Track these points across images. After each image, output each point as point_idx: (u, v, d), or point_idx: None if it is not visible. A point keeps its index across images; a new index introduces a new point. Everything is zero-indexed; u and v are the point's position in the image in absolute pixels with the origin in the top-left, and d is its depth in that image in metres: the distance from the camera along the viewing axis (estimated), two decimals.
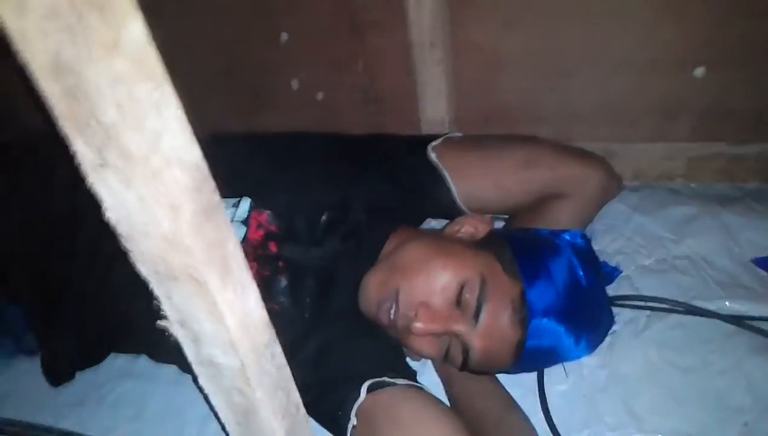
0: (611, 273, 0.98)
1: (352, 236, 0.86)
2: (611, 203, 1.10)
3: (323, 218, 0.86)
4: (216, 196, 0.34)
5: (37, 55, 0.25)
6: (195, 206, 0.32)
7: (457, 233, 0.83)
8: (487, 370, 0.80)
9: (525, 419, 0.80)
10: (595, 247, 1.01)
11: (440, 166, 0.93)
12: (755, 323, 0.88)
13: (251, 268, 0.41)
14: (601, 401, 0.84)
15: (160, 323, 0.38)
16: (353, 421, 0.72)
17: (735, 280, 0.95)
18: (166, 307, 0.36)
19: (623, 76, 1.08)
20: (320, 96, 1.30)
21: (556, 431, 0.80)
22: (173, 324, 0.37)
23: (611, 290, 0.96)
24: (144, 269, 0.34)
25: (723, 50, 1.01)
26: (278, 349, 0.42)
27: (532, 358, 0.75)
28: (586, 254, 0.81)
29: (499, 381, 0.84)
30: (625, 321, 0.92)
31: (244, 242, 0.81)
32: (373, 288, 0.78)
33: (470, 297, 0.73)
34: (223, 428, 0.45)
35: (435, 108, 1.16)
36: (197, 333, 0.37)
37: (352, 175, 0.92)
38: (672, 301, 0.92)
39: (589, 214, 0.98)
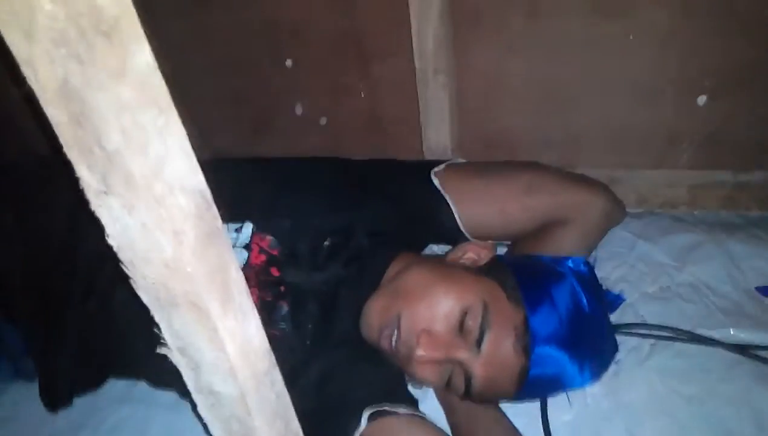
0: (615, 301, 0.98)
1: (354, 261, 0.86)
2: (614, 230, 1.10)
3: (326, 243, 0.86)
4: (218, 222, 0.34)
5: (44, 81, 0.25)
6: (197, 232, 0.32)
7: (460, 259, 0.83)
8: (490, 398, 0.79)
9: None
10: (599, 274, 1.01)
11: (443, 192, 0.93)
12: (760, 352, 0.87)
13: (252, 293, 0.40)
14: (605, 430, 0.83)
15: (160, 349, 0.37)
16: None
17: (739, 308, 0.95)
18: (166, 334, 0.36)
19: (627, 102, 1.08)
20: (323, 121, 1.30)
21: None
22: (173, 351, 0.37)
23: (615, 317, 0.96)
24: (145, 296, 0.34)
25: (726, 78, 1.01)
26: (278, 376, 0.41)
27: (536, 386, 0.75)
28: (589, 281, 0.80)
29: (501, 410, 0.83)
30: (628, 349, 0.92)
31: (246, 266, 0.81)
32: (374, 314, 0.78)
33: (473, 324, 0.72)
34: None
35: (438, 133, 1.16)
36: (197, 360, 0.37)
37: (355, 200, 0.92)
38: (676, 329, 0.91)
39: (593, 240, 0.98)
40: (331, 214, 0.89)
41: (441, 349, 0.73)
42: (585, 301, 0.76)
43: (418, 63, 1.08)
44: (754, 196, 1.10)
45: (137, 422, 0.95)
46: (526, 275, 0.78)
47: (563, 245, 0.91)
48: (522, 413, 0.84)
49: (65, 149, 0.28)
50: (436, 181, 0.94)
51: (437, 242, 1.06)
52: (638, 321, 0.95)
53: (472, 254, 0.83)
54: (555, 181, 0.94)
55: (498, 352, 0.72)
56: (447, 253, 0.87)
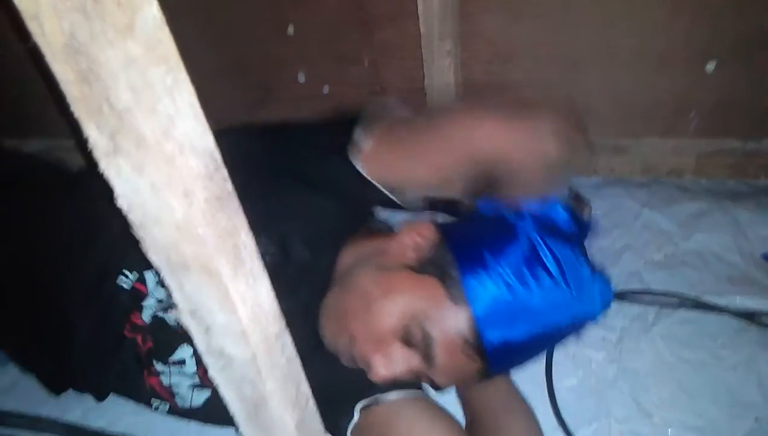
0: (586, 225, 0.80)
1: (300, 279, 0.79)
2: (620, 199, 1.09)
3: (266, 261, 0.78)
4: (228, 185, 0.33)
5: (50, 36, 0.25)
6: (208, 194, 0.31)
7: (402, 249, 0.75)
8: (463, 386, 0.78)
9: (530, 414, 0.78)
10: (604, 242, 1.01)
11: (372, 180, 0.81)
12: (765, 319, 0.87)
13: None
14: (610, 395, 0.83)
15: (171, 311, 0.37)
16: None
17: (745, 275, 0.95)
18: (176, 296, 0.36)
19: (634, 70, 1.07)
20: (326, 90, 1.29)
21: (565, 425, 0.80)
22: (184, 314, 0.37)
23: (619, 285, 0.95)
24: (156, 258, 0.34)
25: (734, 45, 1.00)
26: (289, 340, 0.41)
27: (508, 364, 0.73)
28: (549, 222, 0.72)
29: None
30: (633, 316, 0.92)
31: None
32: (328, 336, 0.75)
33: (416, 340, 0.69)
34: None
35: (443, 101, 1.15)
36: (208, 323, 0.37)
37: (281, 207, 0.81)
38: (681, 296, 0.91)
39: (550, 183, 0.86)
40: (261, 233, 0.78)
41: (398, 365, 0.70)
42: (547, 251, 0.68)
43: (423, 28, 1.06)
44: (761, 164, 1.09)
45: None
46: (469, 251, 0.70)
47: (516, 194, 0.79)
48: (527, 379, 0.84)
49: (73, 108, 0.27)
50: (360, 168, 0.80)
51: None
52: (643, 288, 0.95)
53: (414, 238, 0.75)
54: (492, 123, 0.77)
55: (450, 361, 0.68)
56: (390, 237, 0.78)
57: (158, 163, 0.29)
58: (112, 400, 0.91)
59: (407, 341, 0.69)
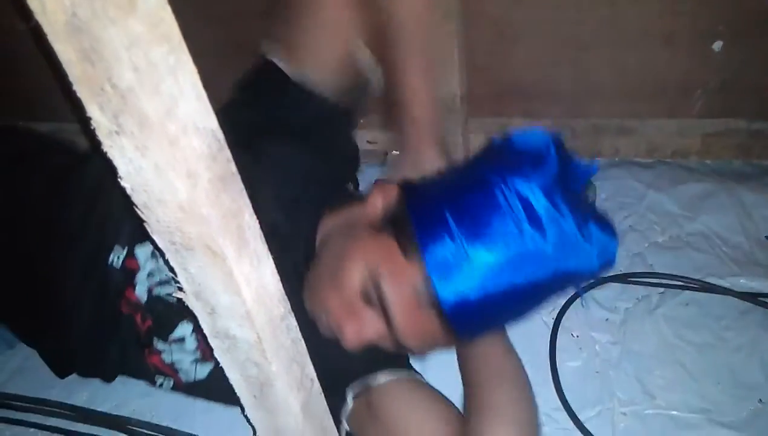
0: (579, 168, 0.69)
1: (284, 257, 0.76)
2: (625, 180, 1.09)
3: None
4: (231, 165, 0.33)
5: (51, 15, 0.24)
6: (211, 175, 0.31)
7: (373, 212, 0.73)
8: (437, 348, 0.74)
9: (521, 386, 0.74)
10: None
11: (301, 76, 0.83)
12: None
13: None
14: (613, 377, 0.83)
15: (176, 293, 0.37)
16: (346, 427, 0.73)
17: (750, 257, 0.95)
18: (181, 278, 0.36)
19: (640, 50, 1.05)
20: None
21: (569, 406, 0.80)
22: (188, 295, 0.37)
23: (624, 268, 0.95)
24: (159, 239, 0.34)
25: (742, 24, 0.98)
26: (293, 322, 0.41)
27: (489, 318, 0.68)
28: (527, 167, 0.65)
29: (508, 342, 0.79)
30: (638, 298, 0.92)
31: None
32: (311, 312, 0.74)
33: (374, 299, 0.67)
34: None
35: (447, 83, 1.14)
36: (213, 304, 0.37)
37: (256, 169, 0.76)
38: (685, 278, 0.91)
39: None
40: None
41: (366, 331, 0.69)
42: (518, 203, 0.62)
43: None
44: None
45: None
46: (428, 206, 0.67)
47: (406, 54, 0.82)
48: (530, 360, 0.84)
49: (75, 87, 0.27)
50: (289, 72, 0.85)
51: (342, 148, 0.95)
52: (647, 270, 0.95)
53: (383, 197, 0.73)
54: None
55: (408, 320, 0.66)
56: (360, 206, 0.75)
57: (161, 144, 0.29)
58: (119, 383, 0.92)
59: (369, 301, 0.68)
